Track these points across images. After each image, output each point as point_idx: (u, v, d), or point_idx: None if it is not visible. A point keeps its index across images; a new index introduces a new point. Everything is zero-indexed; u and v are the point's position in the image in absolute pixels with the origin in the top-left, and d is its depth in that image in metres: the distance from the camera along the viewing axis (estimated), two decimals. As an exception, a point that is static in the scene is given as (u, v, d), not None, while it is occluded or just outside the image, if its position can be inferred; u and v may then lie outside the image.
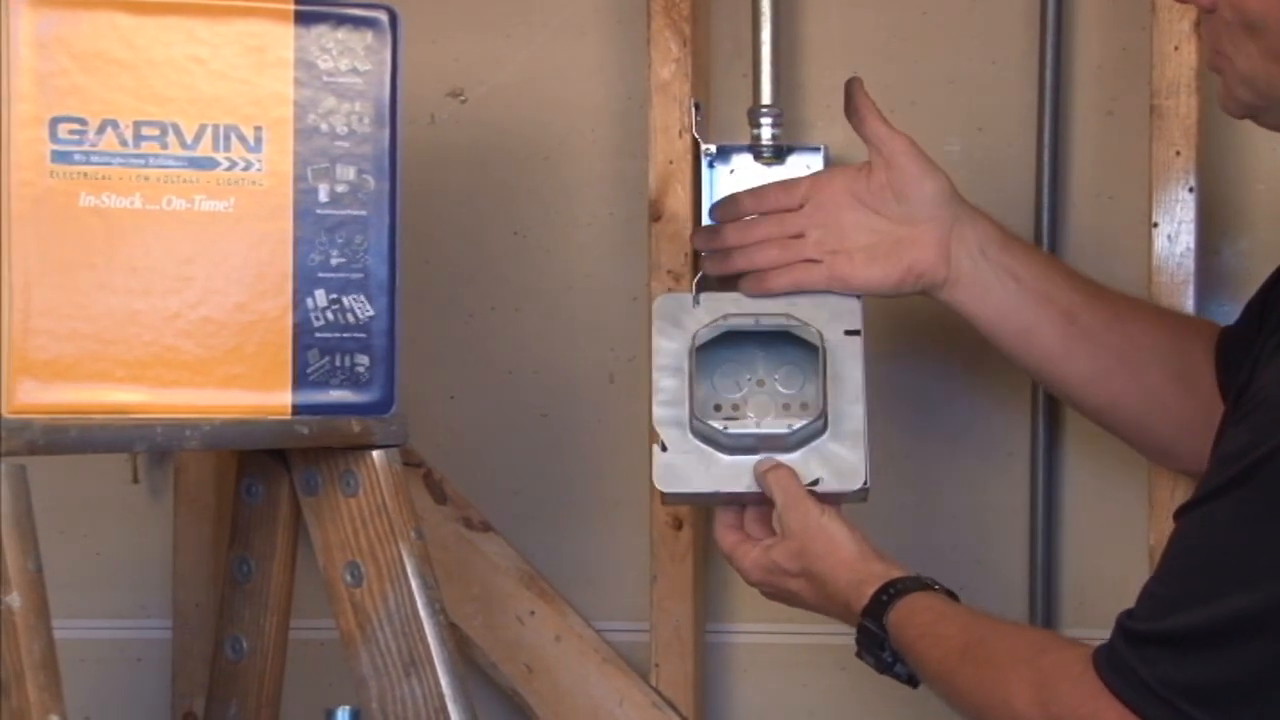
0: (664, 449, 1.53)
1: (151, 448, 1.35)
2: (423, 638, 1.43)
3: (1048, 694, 1.24)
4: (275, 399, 1.39)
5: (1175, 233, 1.69)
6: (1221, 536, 1.18)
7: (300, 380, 1.39)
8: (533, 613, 1.84)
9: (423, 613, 1.43)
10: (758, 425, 1.54)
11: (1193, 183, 1.68)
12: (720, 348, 1.56)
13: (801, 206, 1.56)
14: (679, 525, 1.78)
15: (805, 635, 1.81)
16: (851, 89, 1.56)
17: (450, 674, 1.43)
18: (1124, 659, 1.20)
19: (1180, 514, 1.23)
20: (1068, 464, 1.78)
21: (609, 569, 1.87)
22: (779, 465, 1.51)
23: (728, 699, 1.87)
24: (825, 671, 1.83)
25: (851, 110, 1.56)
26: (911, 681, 1.41)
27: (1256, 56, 1.26)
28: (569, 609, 1.84)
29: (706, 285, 1.62)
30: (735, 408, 1.58)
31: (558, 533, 1.88)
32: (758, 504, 1.54)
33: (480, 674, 1.84)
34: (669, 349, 1.55)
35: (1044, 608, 1.76)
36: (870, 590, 1.41)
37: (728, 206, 1.60)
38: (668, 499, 1.56)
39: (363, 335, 1.41)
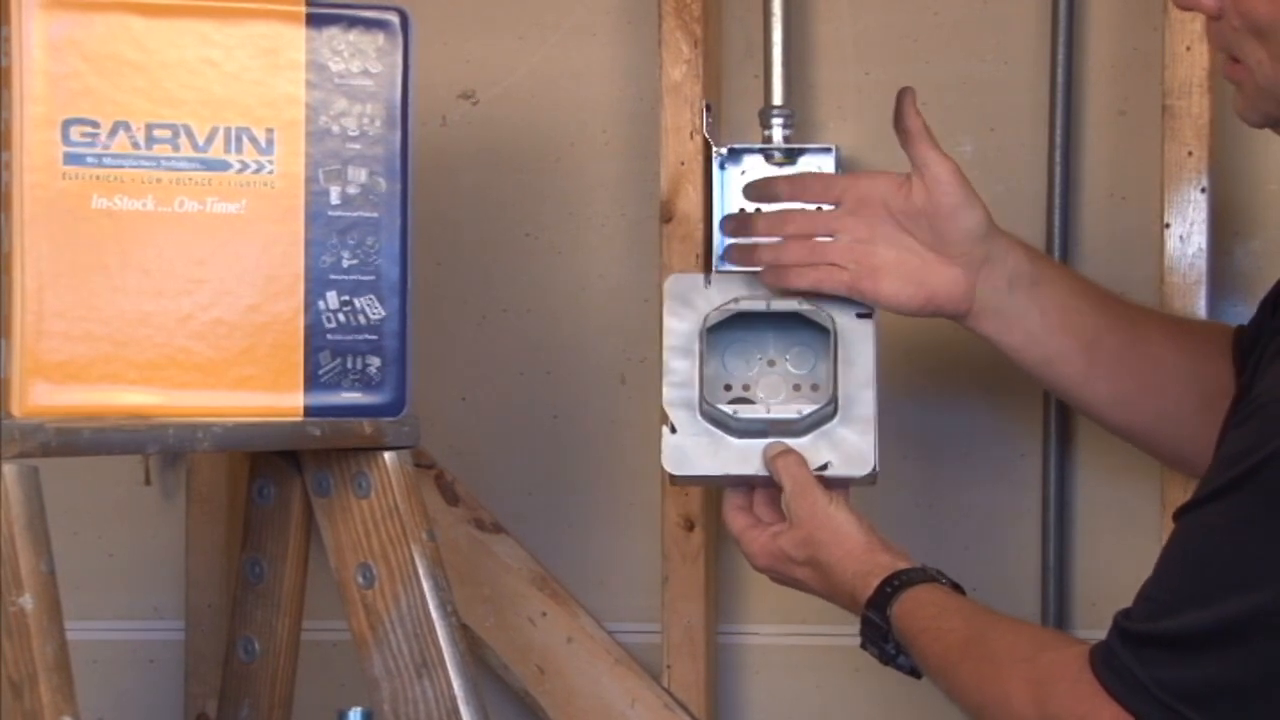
0: (673, 431, 1.52)
1: (164, 449, 1.35)
2: (434, 639, 1.43)
3: (1044, 693, 1.24)
4: (287, 400, 1.39)
5: (1187, 233, 1.68)
6: (1219, 539, 1.18)
7: (312, 382, 1.39)
8: (544, 614, 1.84)
9: (435, 614, 1.43)
10: (768, 410, 1.53)
11: (1205, 183, 1.68)
12: (732, 327, 1.55)
13: (837, 205, 1.53)
14: (690, 526, 1.78)
15: (818, 636, 1.81)
16: (903, 103, 1.51)
17: (462, 675, 1.43)
18: (1120, 659, 1.20)
19: (1179, 515, 1.23)
20: (1080, 463, 1.78)
21: (621, 570, 1.87)
22: (788, 451, 1.50)
23: (740, 700, 1.87)
24: (837, 673, 1.83)
25: (901, 127, 1.51)
26: (915, 674, 1.41)
27: (1267, 62, 1.26)
28: (580, 610, 1.84)
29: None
30: (745, 388, 1.57)
31: (569, 534, 1.88)
32: (767, 486, 1.53)
33: (492, 675, 1.84)
34: (680, 330, 1.54)
35: (1056, 607, 1.76)
36: (875, 582, 1.41)
37: (762, 188, 1.57)
38: (676, 480, 1.55)
39: (374, 337, 1.41)
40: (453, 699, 1.43)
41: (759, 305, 1.54)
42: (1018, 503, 1.80)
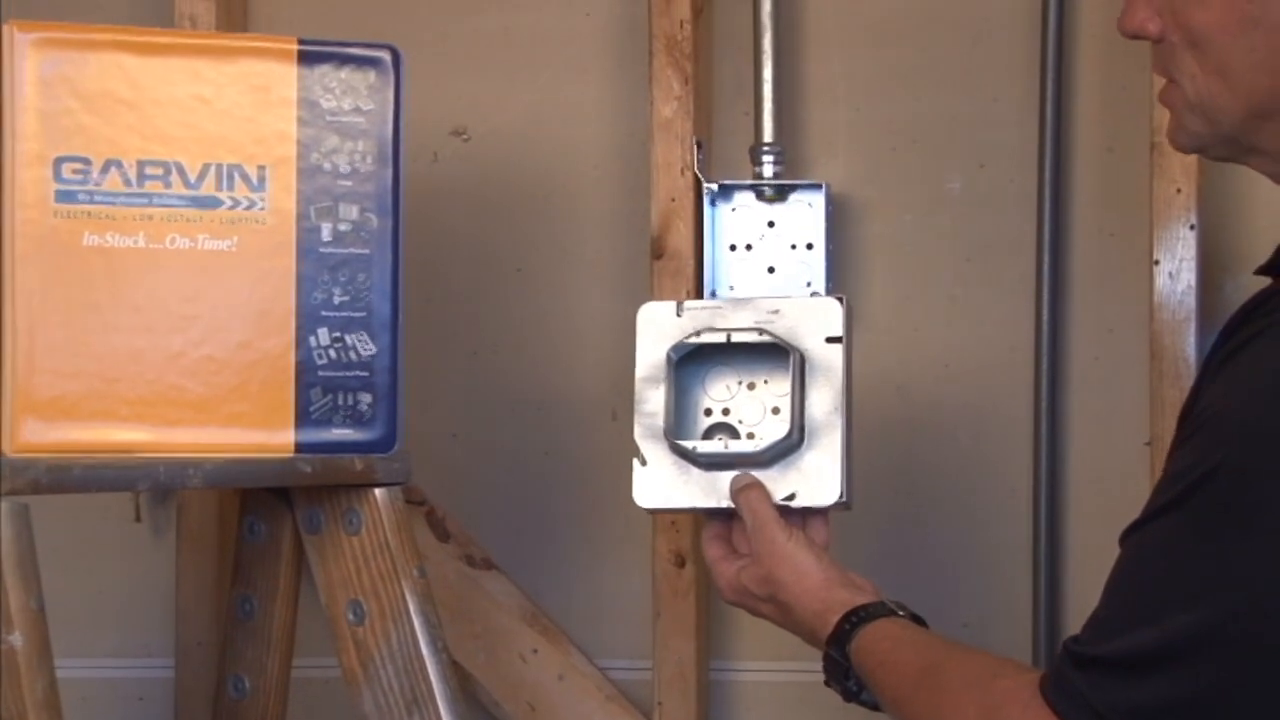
0: (643, 463, 1.52)
1: (154, 486, 1.35)
2: (425, 676, 1.43)
3: (997, 719, 1.24)
4: (278, 437, 1.39)
5: (1177, 270, 1.69)
6: (1162, 557, 1.18)
7: (303, 418, 1.39)
8: (535, 651, 1.84)
9: (425, 651, 1.43)
10: (726, 446, 1.52)
11: (1194, 220, 1.68)
12: (712, 352, 1.54)
13: None
14: (682, 562, 1.78)
15: (810, 673, 1.79)
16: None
17: (453, 712, 1.43)
18: (1070, 682, 1.20)
19: (1125, 536, 1.23)
20: (1070, 499, 1.78)
21: (612, 606, 1.87)
22: (752, 485, 1.49)
23: (731, 737, 1.86)
24: (829, 710, 1.82)
25: None
26: (878, 709, 1.41)
27: (1200, 75, 1.25)
28: (572, 647, 1.84)
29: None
30: (726, 411, 1.56)
31: (560, 570, 1.88)
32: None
33: (483, 712, 1.84)
34: (651, 360, 1.53)
35: (1047, 641, 1.76)
36: (834, 619, 1.41)
37: None
38: (651, 510, 1.55)
39: (365, 373, 1.41)
40: (443, 736, 1.43)
41: (718, 337, 1.53)
42: (1008, 538, 1.80)
